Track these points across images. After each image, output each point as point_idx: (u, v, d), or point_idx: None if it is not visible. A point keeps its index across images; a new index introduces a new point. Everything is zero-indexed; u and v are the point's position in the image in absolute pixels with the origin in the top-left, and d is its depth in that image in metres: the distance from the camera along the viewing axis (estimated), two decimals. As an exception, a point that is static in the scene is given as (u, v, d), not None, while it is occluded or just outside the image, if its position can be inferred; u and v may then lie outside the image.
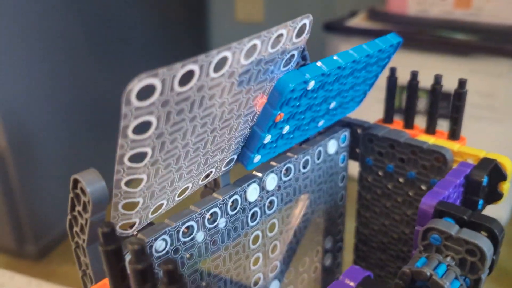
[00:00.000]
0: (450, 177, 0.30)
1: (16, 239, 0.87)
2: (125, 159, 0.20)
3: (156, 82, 0.17)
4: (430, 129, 0.37)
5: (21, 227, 0.87)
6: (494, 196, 0.33)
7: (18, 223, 0.87)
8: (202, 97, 0.20)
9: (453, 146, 0.35)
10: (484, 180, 0.31)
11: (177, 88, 0.19)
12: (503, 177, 0.32)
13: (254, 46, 0.21)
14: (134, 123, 0.18)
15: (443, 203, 0.28)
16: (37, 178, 0.88)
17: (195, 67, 0.19)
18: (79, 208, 0.22)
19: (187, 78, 0.19)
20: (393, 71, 0.38)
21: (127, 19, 1.06)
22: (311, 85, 0.27)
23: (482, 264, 0.25)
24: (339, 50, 1.03)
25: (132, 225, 0.25)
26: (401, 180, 0.38)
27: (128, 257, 0.22)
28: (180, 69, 0.18)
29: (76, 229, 0.24)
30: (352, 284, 0.22)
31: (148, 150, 0.20)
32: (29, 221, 0.87)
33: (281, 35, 0.23)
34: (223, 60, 0.20)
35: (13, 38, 0.79)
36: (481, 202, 0.32)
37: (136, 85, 0.17)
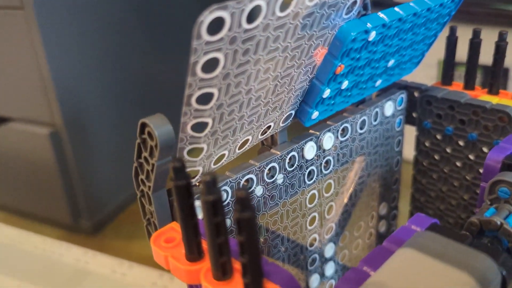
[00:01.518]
0: (518, 133, 0.29)
1: (71, 215, 0.91)
2: (193, 100, 0.20)
3: (226, 15, 0.17)
4: (494, 89, 0.35)
5: (77, 203, 0.91)
6: None
7: (74, 199, 0.90)
8: (267, 38, 0.20)
9: (519, 105, 0.34)
10: (554, 138, 0.30)
11: (245, 25, 0.19)
12: None
13: (319, -13, 0.21)
14: (203, 59, 0.18)
15: (510, 157, 0.27)
16: (91, 156, 0.91)
17: (262, 3, 0.18)
18: (145, 154, 0.23)
19: (254, 16, 0.19)
20: (453, 30, 0.37)
21: (176, 4, 1.07)
22: (372, 36, 0.27)
23: (555, 216, 0.23)
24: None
25: (194, 176, 0.25)
26: (461, 143, 0.37)
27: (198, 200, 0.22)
28: (248, 4, 0.18)
29: (142, 176, 0.24)
30: (419, 229, 0.21)
31: (215, 91, 0.20)
32: (84, 197, 0.90)
33: (345, -23, 0.22)
34: (289, -1, 0.20)
35: (68, 22, 0.82)
36: (549, 161, 0.31)
37: (207, 17, 0.17)
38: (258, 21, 0.19)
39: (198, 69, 0.18)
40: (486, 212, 0.23)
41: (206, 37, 0.17)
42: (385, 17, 0.27)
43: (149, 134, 0.22)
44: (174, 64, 1.10)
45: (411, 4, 0.29)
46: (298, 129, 0.32)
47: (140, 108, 1.00)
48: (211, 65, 0.19)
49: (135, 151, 0.23)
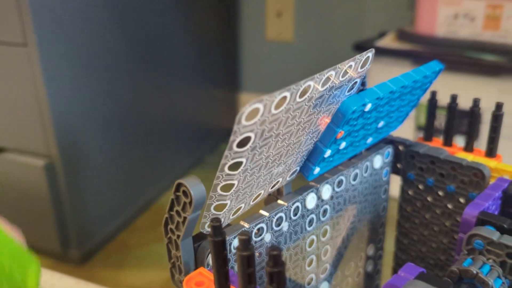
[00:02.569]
0: (489, 191, 0.34)
1: (61, 244, 0.92)
2: (226, 168, 0.24)
3: (261, 106, 0.22)
4: (469, 147, 0.41)
5: (67, 232, 0.93)
6: (529, 209, 0.36)
7: (65, 228, 0.92)
8: (287, 117, 0.25)
9: (490, 163, 0.39)
10: (520, 194, 0.35)
11: (273, 111, 0.23)
12: (537, 192, 0.35)
13: (330, 75, 0.25)
14: (240, 138, 0.22)
15: (484, 213, 0.31)
16: (84, 187, 0.93)
17: (287, 94, 0.23)
18: (178, 208, 0.27)
19: (280, 103, 0.23)
20: (433, 94, 0.42)
21: (166, 39, 1.12)
22: (368, 107, 0.32)
23: (520, 266, 0.28)
24: (369, 70, 1.07)
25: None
26: (440, 193, 0.41)
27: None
28: (277, 96, 0.22)
29: (172, 226, 0.28)
30: (409, 277, 0.25)
31: (243, 160, 0.24)
32: (75, 227, 0.92)
33: (350, 66, 0.27)
34: (307, 88, 0.24)
35: (69, 59, 0.85)
36: (517, 214, 0.36)
37: (247, 109, 0.21)
38: (283, 106, 0.23)
39: (234, 145, 0.23)
40: (464, 262, 0.28)
41: (244, 122, 0.22)
42: (379, 91, 0.32)
43: (184, 192, 0.26)
44: (168, 98, 1.14)
45: (400, 78, 0.34)
46: (298, 178, 0.36)
47: (134, 142, 1.04)
48: (244, 140, 0.23)
49: (168, 204, 0.27)
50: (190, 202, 0.25)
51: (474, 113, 0.39)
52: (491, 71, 1.00)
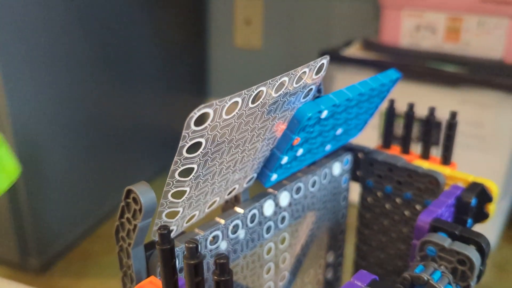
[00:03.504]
0: (443, 198, 0.35)
1: (20, 252, 0.89)
2: (176, 174, 0.23)
3: (210, 111, 0.21)
4: (425, 155, 0.41)
5: (26, 241, 0.90)
6: (481, 215, 0.37)
7: (23, 237, 0.89)
8: (240, 123, 0.24)
9: (445, 170, 0.39)
10: (473, 201, 0.35)
11: (224, 116, 0.23)
12: (489, 199, 0.36)
13: (283, 81, 0.25)
14: (189, 143, 0.22)
15: (437, 220, 0.32)
16: (43, 194, 0.91)
17: (239, 99, 0.23)
18: (128, 215, 0.26)
19: (231, 108, 0.23)
20: (392, 102, 0.43)
21: (132, 43, 1.10)
22: (324, 114, 0.32)
23: (471, 272, 0.28)
24: (334, 78, 1.09)
25: (167, 233, 0.29)
26: (398, 200, 0.42)
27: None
28: (228, 101, 0.22)
29: (123, 234, 0.27)
30: (361, 284, 0.25)
31: (195, 167, 0.24)
32: (35, 235, 0.90)
33: (304, 72, 0.27)
34: (259, 93, 0.24)
35: (29, 62, 0.83)
36: (470, 221, 0.36)
37: (196, 113, 0.21)
38: (235, 112, 0.23)
39: (184, 150, 0.22)
40: (416, 269, 0.28)
41: (193, 127, 0.21)
42: (335, 98, 0.32)
43: (134, 199, 0.25)
44: (133, 104, 1.12)
45: (357, 85, 0.34)
46: (257, 185, 0.36)
47: (97, 147, 1.01)
48: (194, 146, 0.23)
49: (118, 212, 0.27)
50: (140, 209, 0.25)
51: (429, 121, 0.40)
52: (452, 82, 1.03)
